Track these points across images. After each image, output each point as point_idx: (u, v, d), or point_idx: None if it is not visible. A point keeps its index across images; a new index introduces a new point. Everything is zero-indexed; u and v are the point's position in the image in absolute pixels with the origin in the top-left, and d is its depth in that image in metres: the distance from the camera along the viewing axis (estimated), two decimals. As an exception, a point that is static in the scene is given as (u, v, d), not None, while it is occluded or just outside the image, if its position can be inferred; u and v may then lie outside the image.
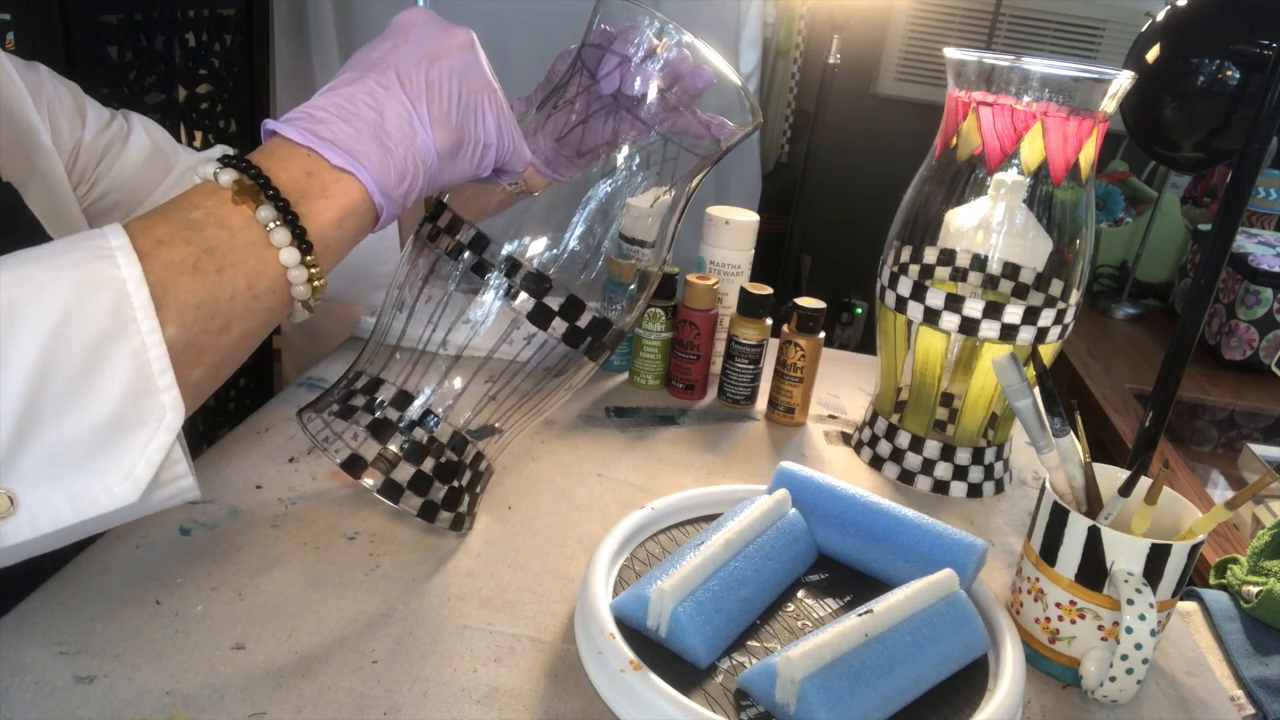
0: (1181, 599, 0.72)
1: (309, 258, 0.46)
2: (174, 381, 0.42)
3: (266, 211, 0.44)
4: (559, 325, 0.60)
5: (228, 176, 0.45)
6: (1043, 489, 0.60)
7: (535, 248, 0.62)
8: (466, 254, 0.60)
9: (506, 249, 0.60)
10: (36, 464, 0.39)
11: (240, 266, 0.44)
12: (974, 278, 0.80)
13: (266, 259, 0.45)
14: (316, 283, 0.47)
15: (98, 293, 0.39)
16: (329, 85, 0.50)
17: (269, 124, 0.48)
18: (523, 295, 0.59)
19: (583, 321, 0.60)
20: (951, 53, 0.74)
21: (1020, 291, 0.79)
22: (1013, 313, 0.72)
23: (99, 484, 0.41)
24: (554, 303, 0.60)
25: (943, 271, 0.80)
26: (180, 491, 0.44)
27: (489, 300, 0.60)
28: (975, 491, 0.80)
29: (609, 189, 0.65)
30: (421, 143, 0.50)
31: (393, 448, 0.61)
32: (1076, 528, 0.56)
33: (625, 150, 0.66)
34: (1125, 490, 0.59)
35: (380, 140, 0.49)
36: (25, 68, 0.71)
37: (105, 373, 0.40)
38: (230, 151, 0.47)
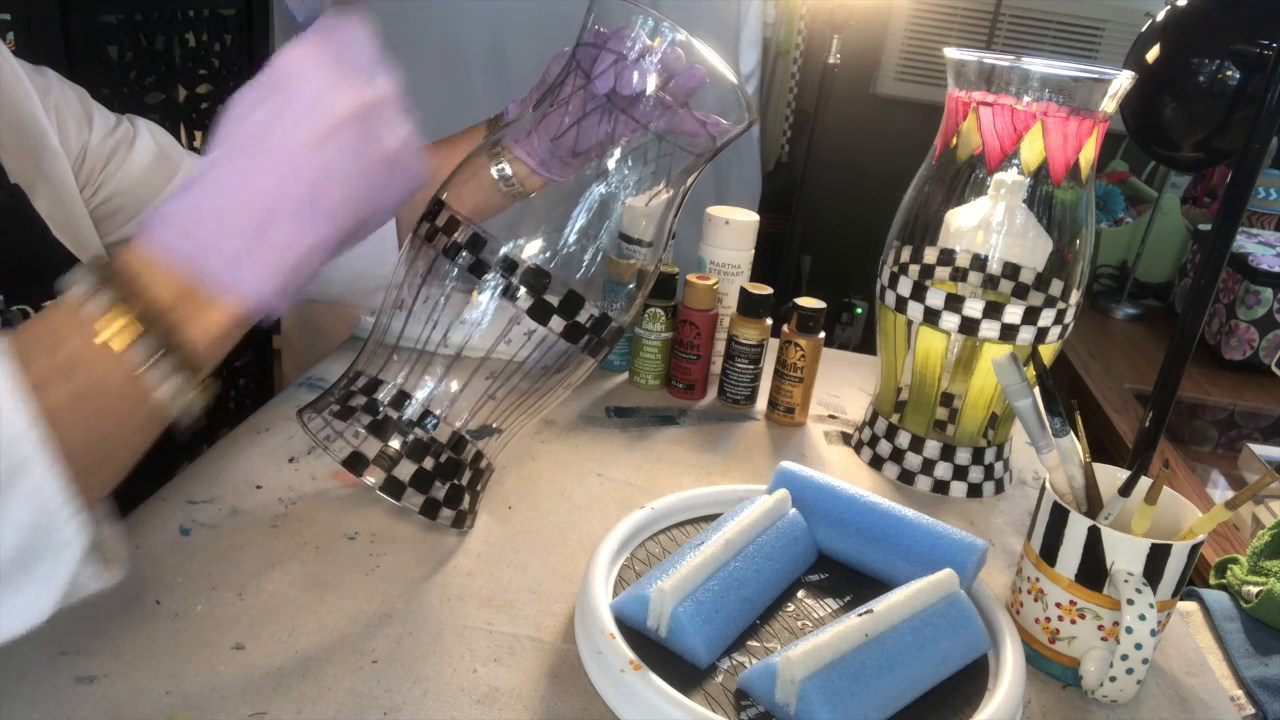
0: (1181, 599, 0.72)
1: (187, 383, 0.44)
2: (74, 511, 0.40)
3: (138, 353, 0.41)
4: (558, 322, 0.60)
5: (97, 305, 0.41)
6: (1043, 489, 0.60)
7: (532, 247, 0.62)
8: (464, 253, 0.60)
9: (504, 248, 0.60)
10: None
11: (116, 406, 0.42)
12: (974, 278, 0.80)
13: (142, 394, 0.42)
14: (199, 397, 0.45)
15: None
16: (209, 163, 0.44)
17: (147, 217, 0.44)
18: (522, 292, 0.59)
19: (582, 317, 0.60)
20: (951, 53, 0.74)
21: (1020, 291, 0.79)
22: (1013, 313, 0.72)
23: (7, 612, 0.41)
24: (553, 299, 0.60)
25: (943, 271, 0.80)
26: (97, 583, 0.44)
27: (487, 299, 0.60)
28: (975, 491, 0.80)
29: (605, 188, 0.65)
30: (314, 240, 0.45)
31: (394, 445, 0.61)
32: (1076, 528, 0.56)
33: (621, 149, 0.66)
34: (1125, 490, 0.59)
35: (266, 244, 0.43)
36: (34, 71, 0.71)
37: (5, 514, 0.39)
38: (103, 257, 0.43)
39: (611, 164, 0.66)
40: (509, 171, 0.74)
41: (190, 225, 0.43)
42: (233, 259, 0.43)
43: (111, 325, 0.41)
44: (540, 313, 0.60)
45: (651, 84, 0.64)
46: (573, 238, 0.63)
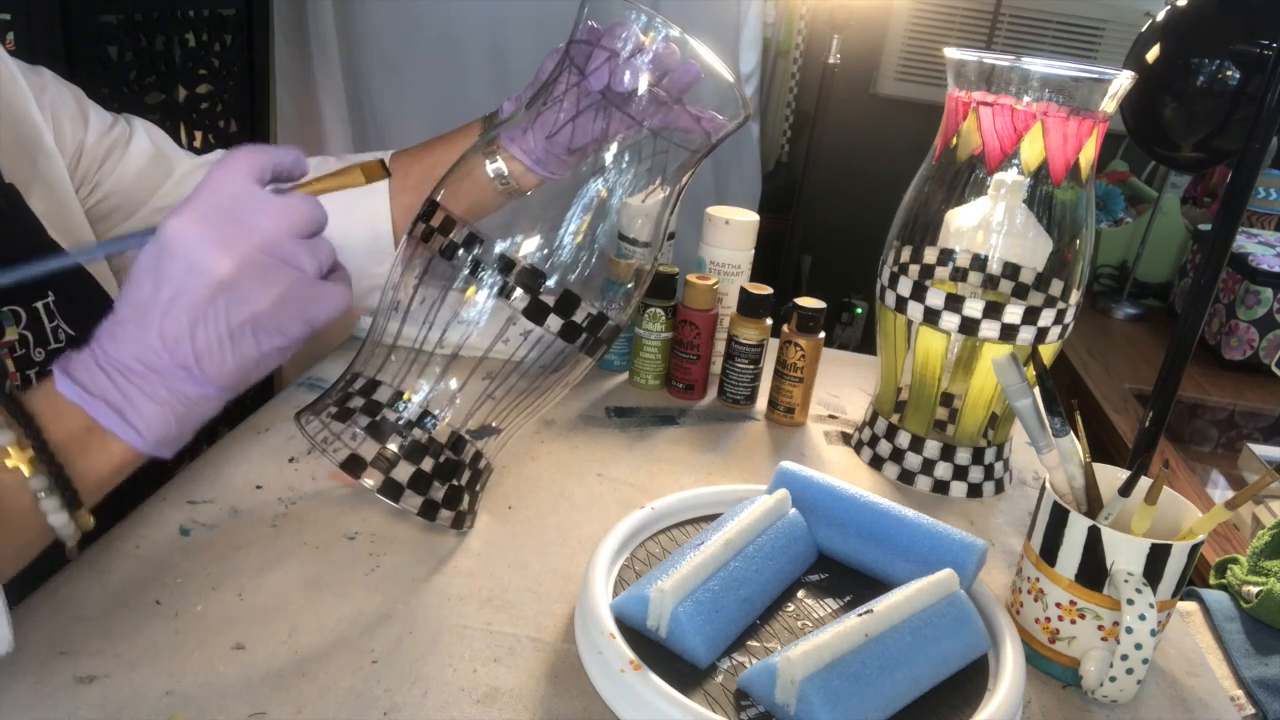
0: (1181, 599, 0.72)
1: (78, 512, 0.48)
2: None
3: (39, 480, 0.46)
4: (554, 321, 0.60)
5: (5, 437, 0.45)
6: (1043, 489, 0.60)
7: (529, 245, 0.62)
8: (460, 252, 0.59)
9: (500, 247, 0.60)
10: None
11: (8, 531, 0.46)
12: (974, 278, 0.80)
13: (35, 519, 0.47)
14: (84, 523, 0.49)
15: None
16: (111, 320, 0.49)
17: (58, 366, 0.48)
18: (518, 292, 0.59)
19: (579, 317, 0.60)
20: (951, 53, 0.74)
21: (1020, 291, 0.79)
22: (1013, 313, 0.72)
23: None
24: (549, 298, 0.60)
25: (943, 271, 0.80)
26: None
27: (484, 298, 0.60)
28: (975, 491, 0.80)
29: (601, 185, 0.65)
30: (203, 392, 0.49)
31: (392, 447, 0.61)
32: (1076, 528, 0.56)
33: (616, 146, 0.66)
34: (1125, 490, 0.59)
35: (157, 399, 0.48)
36: (29, 71, 0.71)
37: None
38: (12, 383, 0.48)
39: (607, 161, 0.66)
40: (505, 169, 0.74)
41: (91, 374, 0.48)
42: (118, 408, 0.48)
43: (15, 457, 0.45)
44: (536, 312, 0.60)
45: (645, 80, 0.64)
46: (569, 236, 0.63)
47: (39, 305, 0.65)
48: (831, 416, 0.92)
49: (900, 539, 0.63)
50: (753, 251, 0.93)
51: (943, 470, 0.79)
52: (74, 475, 0.47)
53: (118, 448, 0.49)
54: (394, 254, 0.83)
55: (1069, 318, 0.75)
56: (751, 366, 0.88)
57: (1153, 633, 0.53)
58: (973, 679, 0.56)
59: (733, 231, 0.91)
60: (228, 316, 0.47)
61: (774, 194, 2.13)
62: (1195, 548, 0.56)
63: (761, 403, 0.91)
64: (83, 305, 0.67)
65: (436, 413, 0.63)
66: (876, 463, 0.83)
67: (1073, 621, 0.58)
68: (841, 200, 2.34)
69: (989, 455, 0.80)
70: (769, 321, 0.87)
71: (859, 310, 2.37)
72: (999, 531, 0.75)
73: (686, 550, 0.59)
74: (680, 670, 0.54)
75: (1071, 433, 0.61)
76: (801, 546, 0.64)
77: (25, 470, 0.46)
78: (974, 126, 0.73)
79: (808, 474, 0.67)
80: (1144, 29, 1.54)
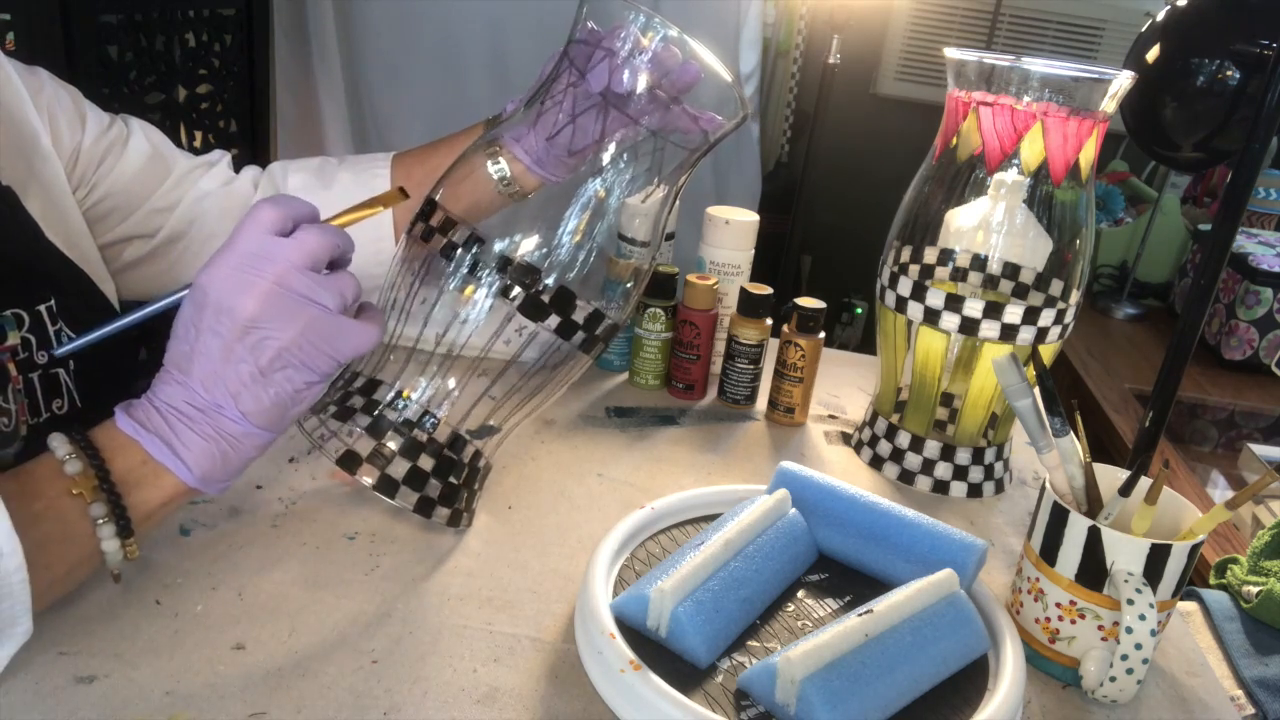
0: (1181, 599, 0.72)
1: (128, 541, 0.51)
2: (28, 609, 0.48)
3: (99, 508, 0.50)
4: (552, 319, 0.60)
5: (74, 467, 0.50)
6: (1043, 489, 0.60)
7: (527, 244, 0.62)
8: (459, 251, 0.60)
9: (498, 246, 0.60)
10: None
11: (67, 557, 0.50)
12: (974, 278, 0.80)
13: (90, 546, 0.51)
14: (130, 553, 0.52)
15: None
16: (164, 369, 0.53)
17: (120, 407, 0.53)
18: (515, 289, 0.59)
19: (576, 315, 0.60)
20: (951, 53, 0.74)
21: (1020, 291, 0.79)
22: (1013, 313, 0.72)
23: None
24: (546, 296, 0.60)
25: (943, 271, 0.80)
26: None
27: (482, 297, 0.60)
28: (975, 491, 0.80)
29: (599, 185, 0.65)
30: (245, 430, 0.53)
31: (389, 445, 0.61)
32: (1076, 528, 0.56)
33: (615, 146, 0.66)
34: (1125, 490, 0.59)
35: (204, 436, 0.52)
36: (26, 71, 0.70)
37: None
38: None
39: (605, 161, 0.66)
40: (507, 170, 0.73)
41: (147, 414, 0.52)
42: (169, 443, 0.52)
43: (80, 485, 0.50)
44: (534, 310, 0.60)
45: (645, 81, 0.64)
46: (567, 236, 0.63)
47: (41, 309, 0.65)
48: (831, 416, 0.92)
49: (900, 539, 0.63)
50: (753, 251, 0.93)
51: (943, 470, 0.79)
52: (129, 505, 0.51)
53: (169, 481, 0.52)
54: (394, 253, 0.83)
55: (1069, 318, 0.75)
56: (751, 366, 0.88)
57: (1153, 633, 0.53)
58: (973, 679, 0.56)
59: (733, 231, 0.91)
60: (255, 355, 0.51)
61: (774, 194, 2.13)
62: (1195, 548, 0.56)
63: (761, 403, 0.91)
64: (83, 309, 0.67)
65: (436, 412, 0.63)
66: (876, 463, 0.83)
67: (1073, 621, 0.58)
68: (841, 200, 2.34)
69: (989, 455, 0.80)
70: (769, 321, 0.87)
71: (859, 310, 2.37)
72: (999, 531, 0.75)
73: (686, 550, 0.59)
74: (680, 670, 0.54)
75: (1071, 433, 0.61)
76: (801, 546, 0.64)
77: (87, 497, 0.49)
78: (974, 126, 0.73)
79: (808, 474, 0.67)
80: (1144, 29, 1.54)
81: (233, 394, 0.51)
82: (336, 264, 0.56)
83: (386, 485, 0.61)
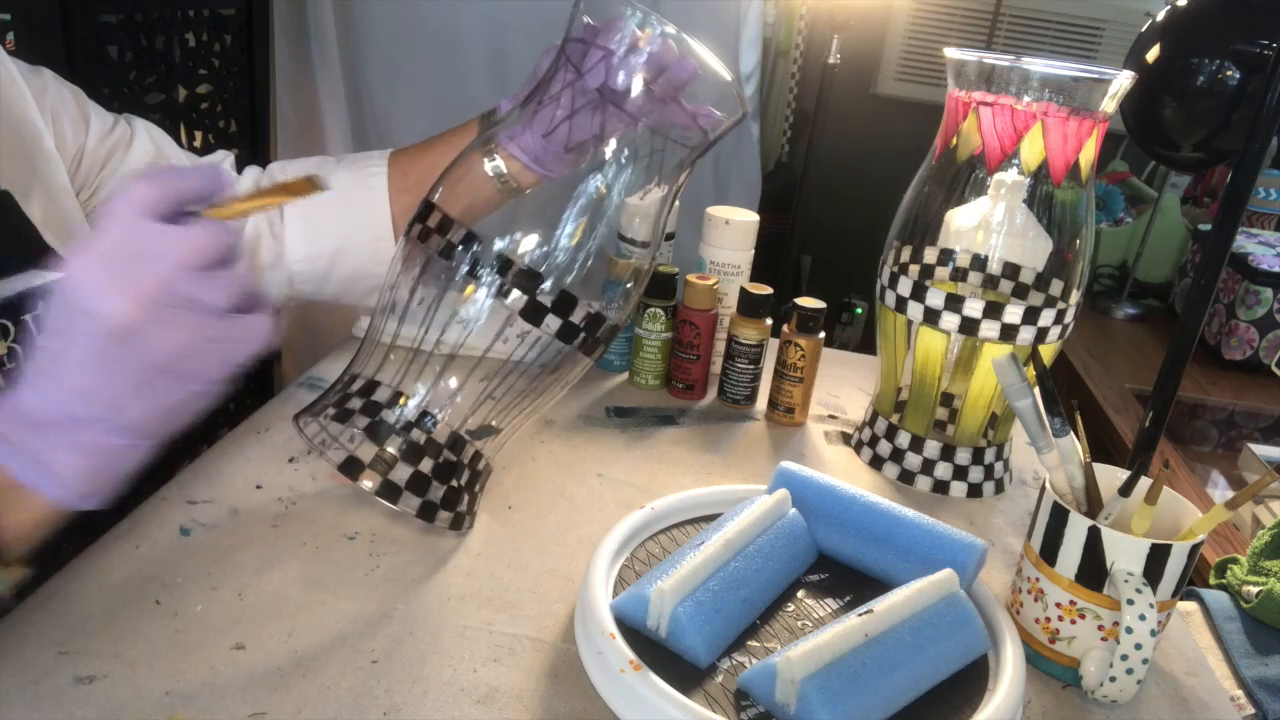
0: (1181, 599, 0.72)
1: (6, 566, 0.47)
2: None
3: None
4: (552, 322, 0.60)
5: None
6: (1043, 489, 0.60)
7: (526, 244, 0.62)
8: (458, 250, 0.59)
9: (498, 246, 0.60)
10: None
11: None
12: (974, 278, 0.80)
13: None
14: (13, 574, 0.48)
15: None
16: (24, 375, 0.47)
17: None
18: (515, 292, 0.59)
19: (576, 317, 0.60)
20: (951, 53, 0.74)
21: (1020, 291, 0.79)
22: (1013, 313, 0.72)
23: None
24: (546, 299, 0.60)
25: (943, 271, 0.80)
26: None
27: (482, 297, 0.60)
28: (975, 491, 0.80)
29: (598, 184, 0.65)
30: (125, 442, 0.47)
31: (390, 449, 0.61)
32: (1076, 528, 0.56)
33: (613, 144, 0.66)
34: (1125, 490, 0.59)
35: (78, 450, 0.46)
36: (30, 72, 0.70)
37: None
38: None
39: (604, 159, 0.66)
40: (503, 168, 0.73)
41: (12, 426, 0.46)
42: (35, 463, 0.46)
43: None
44: (533, 313, 0.59)
45: (641, 77, 0.64)
46: (567, 236, 0.63)
47: (28, 318, 0.64)
48: (831, 416, 0.92)
49: (900, 539, 0.63)
50: (753, 251, 0.93)
51: (943, 470, 0.79)
52: None
53: (40, 501, 0.47)
54: (394, 254, 0.83)
55: (1069, 318, 0.75)
56: (751, 366, 0.88)
57: (1153, 633, 0.53)
58: (973, 679, 0.56)
59: (733, 231, 0.91)
60: (133, 365, 0.44)
61: (774, 194, 2.13)
62: (1195, 548, 0.56)
63: (761, 403, 0.91)
64: None
65: (436, 413, 0.63)
66: (876, 463, 0.83)
67: (1073, 621, 0.58)
68: (841, 200, 2.33)
69: (989, 455, 0.80)
70: (769, 321, 0.87)
71: (859, 310, 2.37)
72: (999, 531, 0.75)
73: (686, 550, 0.59)
74: (680, 670, 0.54)
75: (1071, 433, 0.61)
76: (801, 546, 0.64)
77: None
78: (974, 126, 0.73)
79: (808, 474, 0.67)
80: (1144, 29, 1.54)
81: (109, 405, 0.45)
82: (227, 257, 0.47)
83: (389, 491, 0.61)
